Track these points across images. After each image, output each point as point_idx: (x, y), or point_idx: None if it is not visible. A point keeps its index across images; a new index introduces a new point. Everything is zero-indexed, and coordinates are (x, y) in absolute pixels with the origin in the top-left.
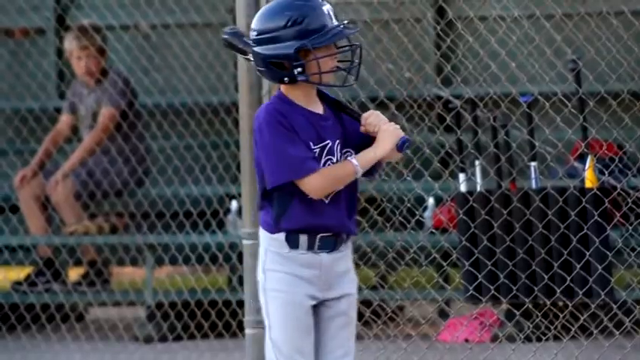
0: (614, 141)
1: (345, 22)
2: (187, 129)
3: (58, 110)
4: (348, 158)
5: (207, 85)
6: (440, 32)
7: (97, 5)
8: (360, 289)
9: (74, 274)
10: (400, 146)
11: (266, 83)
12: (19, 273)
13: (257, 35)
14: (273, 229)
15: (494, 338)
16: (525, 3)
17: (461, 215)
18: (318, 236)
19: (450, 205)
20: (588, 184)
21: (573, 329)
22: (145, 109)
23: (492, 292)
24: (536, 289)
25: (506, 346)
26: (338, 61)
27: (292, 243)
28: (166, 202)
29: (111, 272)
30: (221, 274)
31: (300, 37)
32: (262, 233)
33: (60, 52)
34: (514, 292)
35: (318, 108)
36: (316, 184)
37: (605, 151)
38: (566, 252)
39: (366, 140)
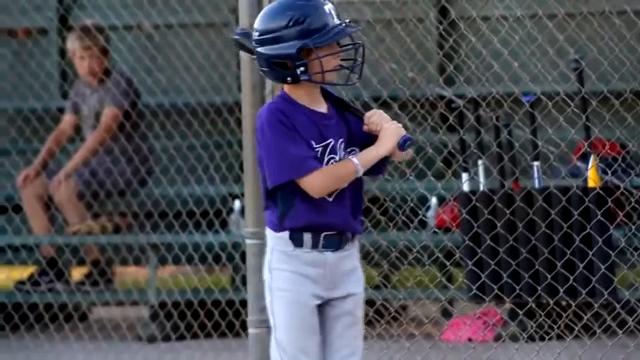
0: (617, 140)
1: (347, 20)
2: (190, 129)
3: (61, 110)
4: (349, 157)
5: (210, 85)
6: (443, 32)
7: (99, 5)
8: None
9: (77, 273)
10: (402, 145)
11: (269, 83)
12: (22, 273)
13: (259, 35)
14: (277, 228)
15: (498, 338)
16: (528, 3)
17: (464, 215)
18: (322, 235)
19: (453, 204)
20: (591, 184)
21: (577, 329)
22: (147, 109)
23: (495, 291)
24: (539, 288)
25: (510, 346)
26: (341, 60)
27: (296, 241)
28: (169, 202)
29: (114, 272)
30: (224, 274)
31: (302, 36)
32: (268, 232)
33: (63, 52)
34: (517, 291)
35: (322, 107)
36: (317, 182)
37: (608, 151)
38: (569, 251)
39: (371, 139)
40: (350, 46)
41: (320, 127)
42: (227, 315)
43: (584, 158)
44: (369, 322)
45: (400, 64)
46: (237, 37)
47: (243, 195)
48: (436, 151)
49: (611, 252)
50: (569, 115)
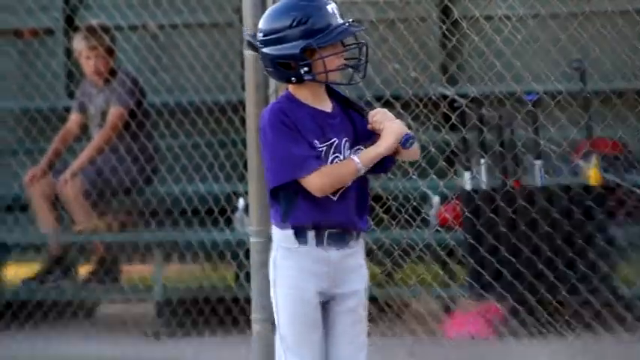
0: (618, 139)
1: (350, 20)
2: (195, 127)
3: (67, 109)
4: (351, 156)
5: (214, 84)
6: (445, 32)
7: (105, 5)
8: None
9: (84, 271)
10: (403, 143)
11: (272, 82)
12: (30, 270)
13: (264, 36)
14: (282, 225)
15: (499, 334)
16: (531, 2)
17: (466, 213)
18: (326, 232)
19: (455, 203)
20: (592, 182)
21: (576, 325)
22: (153, 108)
23: (497, 288)
24: (540, 285)
25: (511, 341)
26: (345, 59)
27: (301, 239)
28: (174, 200)
29: (120, 269)
30: (228, 271)
31: (306, 36)
32: (273, 229)
33: (69, 52)
34: (519, 288)
35: (327, 106)
36: (318, 182)
37: (610, 150)
38: (570, 250)
39: (376, 137)
40: (353, 46)
41: (324, 126)
42: (231, 311)
43: (586, 157)
44: (372, 319)
45: (403, 64)
46: (248, 38)
47: (247, 193)
48: (439, 150)
49: (611, 249)
50: (571, 114)
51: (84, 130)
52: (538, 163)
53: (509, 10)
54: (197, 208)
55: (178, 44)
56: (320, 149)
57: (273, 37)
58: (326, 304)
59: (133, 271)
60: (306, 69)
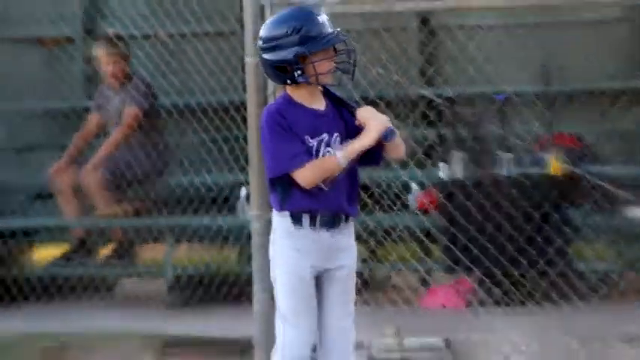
0: (575, 134)
1: (338, 29)
2: (201, 125)
3: (87, 110)
4: (335, 151)
5: (218, 87)
6: (424, 40)
7: (120, 17)
8: None
9: (104, 252)
10: (385, 136)
11: (271, 85)
12: (58, 251)
13: (263, 43)
14: (280, 211)
15: (469, 303)
16: (499, 13)
17: (441, 199)
18: (319, 216)
19: (432, 190)
20: (552, 171)
21: (536, 294)
22: (164, 109)
23: (467, 263)
24: (505, 260)
25: (479, 310)
26: (336, 64)
27: (296, 221)
28: (184, 190)
29: (136, 250)
30: (232, 252)
31: (300, 44)
32: (274, 213)
33: (87, 59)
34: (486, 263)
35: (320, 105)
36: (305, 175)
37: (569, 143)
38: (532, 229)
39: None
40: (343, 52)
41: (315, 123)
42: (234, 287)
43: (547, 150)
44: (357, 292)
45: (386, 68)
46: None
47: (248, 183)
48: (418, 144)
49: (567, 229)
50: (536, 113)
51: (101, 128)
52: (507, 155)
53: (481, 19)
54: (203, 197)
55: (186, 51)
56: (311, 144)
57: (272, 45)
58: (318, 279)
59: (148, 252)
60: (299, 72)
